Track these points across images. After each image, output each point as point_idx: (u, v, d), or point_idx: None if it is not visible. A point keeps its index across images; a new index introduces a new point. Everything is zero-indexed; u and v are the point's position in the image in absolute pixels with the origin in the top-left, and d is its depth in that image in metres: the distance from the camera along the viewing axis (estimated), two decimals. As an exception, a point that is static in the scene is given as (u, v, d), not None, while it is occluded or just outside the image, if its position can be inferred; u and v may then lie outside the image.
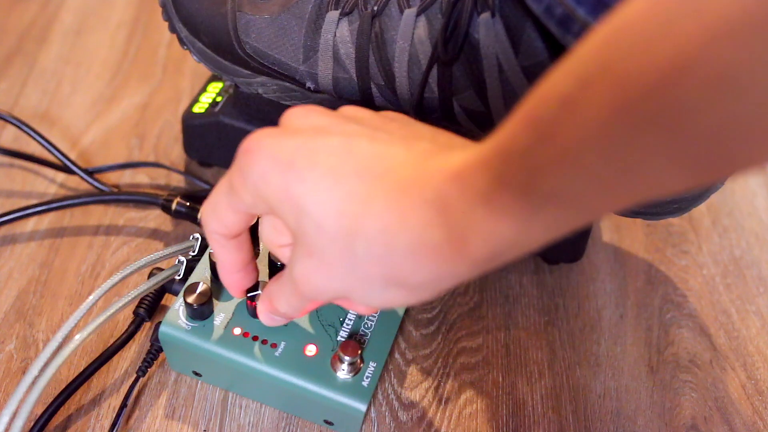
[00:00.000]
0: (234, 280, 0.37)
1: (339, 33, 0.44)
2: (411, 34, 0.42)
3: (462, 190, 0.26)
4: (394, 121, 0.32)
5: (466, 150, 0.27)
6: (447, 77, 0.42)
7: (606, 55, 0.21)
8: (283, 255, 0.35)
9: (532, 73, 0.40)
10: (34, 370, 0.37)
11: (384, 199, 0.27)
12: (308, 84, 0.46)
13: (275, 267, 0.42)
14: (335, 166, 0.28)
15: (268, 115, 0.51)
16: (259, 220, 0.35)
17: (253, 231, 0.37)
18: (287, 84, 0.46)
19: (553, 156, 0.23)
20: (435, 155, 0.28)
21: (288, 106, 0.47)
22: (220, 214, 0.33)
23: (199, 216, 0.34)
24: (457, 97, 0.43)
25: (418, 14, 0.42)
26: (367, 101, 0.45)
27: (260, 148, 0.30)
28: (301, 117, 0.32)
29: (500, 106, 0.42)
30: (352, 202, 0.27)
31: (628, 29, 0.21)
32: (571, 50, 0.23)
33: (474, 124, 0.44)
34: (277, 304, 0.35)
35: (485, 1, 0.40)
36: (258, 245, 0.44)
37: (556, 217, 0.25)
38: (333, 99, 0.46)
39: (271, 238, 0.35)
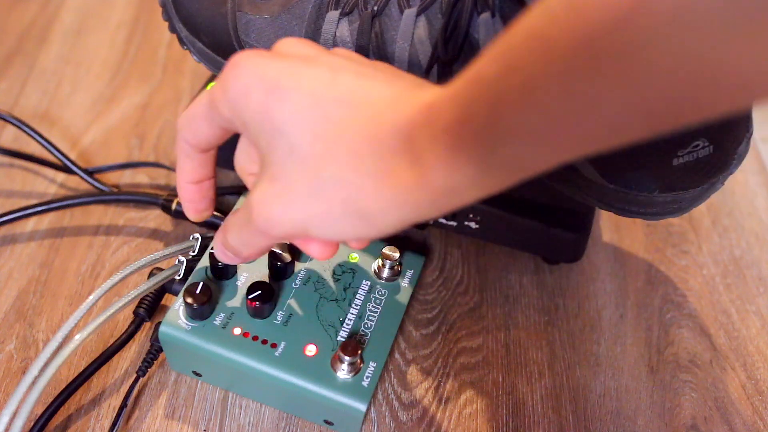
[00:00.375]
0: (189, 190, 0.37)
1: (339, 33, 0.44)
2: (411, 34, 0.42)
3: (429, 120, 0.27)
4: (379, 65, 0.33)
5: (441, 88, 0.28)
6: (447, 77, 0.42)
7: None
8: (250, 183, 0.36)
9: None
10: (34, 370, 0.37)
11: (359, 125, 0.28)
12: None
13: (275, 267, 0.43)
14: (317, 91, 0.29)
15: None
16: (238, 143, 0.36)
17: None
18: None
19: (517, 87, 0.24)
20: (413, 90, 0.29)
21: None
22: (195, 123, 0.33)
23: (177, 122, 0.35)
24: None
25: (418, 14, 0.42)
26: None
27: (248, 65, 0.30)
28: (293, 45, 0.32)
29: None
30: (329, 126, 0.28)
31: None
32: None
33: None
34: (229, 236, 0.34)
35: (485, 1, 0.39)
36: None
37: (515, 156, 0.26)
38: None
39: (243, 164, 0.35)
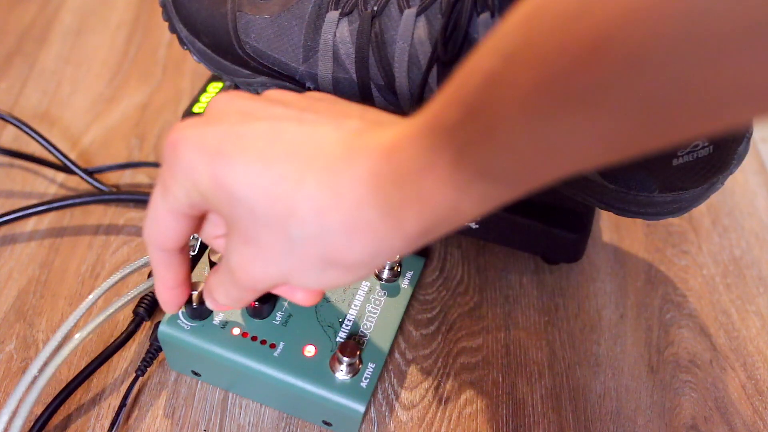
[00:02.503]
0: (172, 296, 0.35)
1: (339, 33, 0.44)
2: (411, 35, 0.42)
3: (393, 166, 0.26)
4: (320, 101, 0.31)
5: (396, 126, 0.27)
6: (447, 77, 0.42)
7: (528, 32, 0.22)
8: (219, 246, 0.35)
9: None
10: (33, 370, 0.37)
11: (315, 179, 0.27)
12: (308, 84, 0.46)
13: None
14: (264, 149, 0.28)
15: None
16: None
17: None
18: (287, 84, 0.46)
19: (479, 132, 0.23)
20: (365, 132, 0.28)
21: None
22: (159, 222, 0.31)
23: (143, 233, 0.34)
24: None
25: (418, 14, 0.42)
26: (366, 101, 0.45)
27: (185, 139, 0.29)
28: (225, 103, 0.31)
29: None
30: (284, 184, 0.27)
31: (549, 7, 0.21)
32: (495, 29, 0.23)
33: None
34: (217, 296, 0.34)
35: (485, 1, 0.39)
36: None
37: (486, 192, 0.25)
38: None
39: (208, 230, 0.34)
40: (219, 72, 0.48)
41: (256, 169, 0.27)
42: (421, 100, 0.44)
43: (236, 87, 0.50)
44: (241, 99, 0.31)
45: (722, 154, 0.40)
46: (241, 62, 0.47)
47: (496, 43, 0.23)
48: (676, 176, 0.41)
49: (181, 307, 0.38)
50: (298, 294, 0.35)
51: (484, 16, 0.39)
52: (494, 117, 0.23)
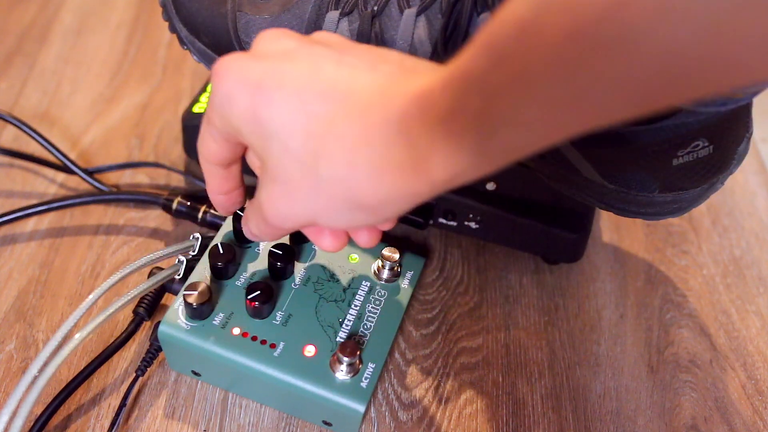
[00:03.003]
0: (218, 200, 0.38)
1: (338, 32, 0.44)
2: (411, 35, 0.42)
3: (423, 111, 0.27)
4: (361, 45, 0.32)
5: (429, 73, 0.28)
6: None
7: None
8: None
9: None
10: (33, 370, 0.37)
11: (347, 119, 0.28)
12: None
13: (275, 268, 0.43)
14: (301, 88, 0.29)
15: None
16: None
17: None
18: None
19: (508, 79, 0.24)
20: (399, 77, 0.29)
21: None
22: (204, 142, 0.34)
23: None
24: None
25: (418, 14, 0.42)
26: None
27: (228, 71, 0.30)
28: (270, 41, 0.32)
29: None
30: (317, 123, 0.28)
31: None
32: None
33: None
34: (250, 225, 0.36)
35: (485, 1, 0.39)
36: (258, 246, 0.44)
37: (511, 141, 0.26)
38: None
39: (253, 161, 0.36)
40: None
41: (293, 105, 0.28)
42: None
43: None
44: (286, 37, 0.32)
45: (722, 153, 0.40)
46: None
47: None
48: (676, 176, 0.41)
49: (231, 212, 0.40)
50: (325, 240, 0.36)
51: (485, 15, 0.39)
52: (524, 64, 0.23)
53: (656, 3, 0.19)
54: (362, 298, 0.43)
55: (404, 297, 0.44)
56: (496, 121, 0.25)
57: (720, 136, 0.39)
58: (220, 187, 0.37)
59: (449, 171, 0.27)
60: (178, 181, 0.55)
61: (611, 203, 0.44)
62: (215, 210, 0.49)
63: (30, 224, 0.51)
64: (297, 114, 0.28)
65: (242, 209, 0.41)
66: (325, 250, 0.37)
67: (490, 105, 0.25)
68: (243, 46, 0.46)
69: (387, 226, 0.37)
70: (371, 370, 0.40)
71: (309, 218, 0.31)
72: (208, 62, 0.48)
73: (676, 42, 0.20)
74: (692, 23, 0.19)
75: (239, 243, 0.44)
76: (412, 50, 0.42)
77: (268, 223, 0.33)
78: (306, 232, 0.37)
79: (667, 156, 0.40)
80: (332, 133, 0.28)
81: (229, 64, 0.30)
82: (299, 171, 0.29)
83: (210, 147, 0.34)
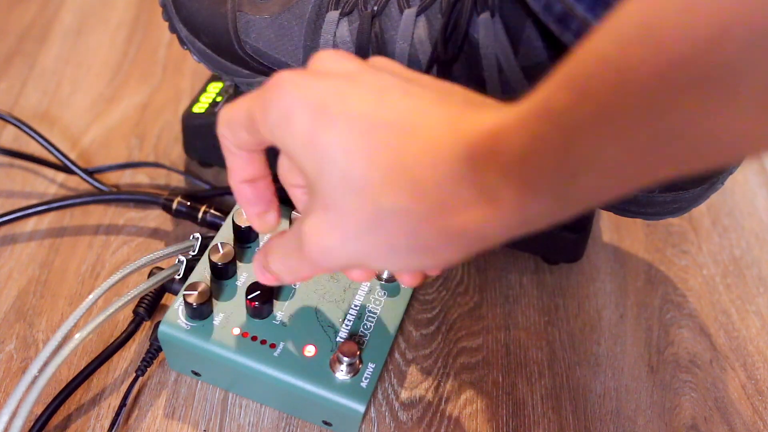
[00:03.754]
0: (243, 191, 0.34)
1: (339, 33, 0.44)
2: (411, 34, 0.42)
3: (495, 151, 0.25)
4: (425, 77, 0.31)
5: (501, 109, 0.26)
6: (446, 77, 0.42)
7: (647, 16, 0.21)
8: (295, 196, 0.34)
9: (532, 73, 0.40)
10: (33, 370, 0.37)
11: (415, 151, 0.26)
12: None
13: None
14: (367, 114, 0.27)
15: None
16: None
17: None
18: None
19: (592, 116, 0.22)
20: (468, 112, 0.27)
21: None
22: (233, 127, 0.31)
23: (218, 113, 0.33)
24: None
25: (418, 14, 0.42)
26: None
27: (291, 85, 0.28)
28: (331, 61, 0.30)
29: None
30: (383, 152, 0.26)
31: None
32: (612, 13, 0.22)
33: None
34: (271, 260, 0.32)
35: (485, 1, 0.40)
36: (258, 246, 0.44)
37: (590, 185, 0.24)
38: None
39: (287, 175, 0.33)
40: (219, 72, 0.48)
41: (357, 132, 0.27)
42: None
43: (236, 87, 0.50)
44: (348, 60, 0.30)
45: None
46: (241, 62, 0.47)
47: (611, 27, 0.22)
48: None
49: (262, 220, 0.35)
50: (355, 272, 0.33)
51: (484, 15, 0.39)
52: (609, 101, 0.21)
53: (755, 38, 0.18)
54: (362, 298, 0.43)
55: (404, 297, 0.44)
56: (577, 162, 0.23)
57: None
58: (243, 172, 0.33)
59: (522, 215, 0.25)
60: (178, 181, 0.55)
61: (613, 203, 0.44)
62: (215, 212, 0.49)
63: (30, 224, 0.51)
64: (362, 141, 0.26)
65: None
66: (354, 280, 0.34)
67: (571, 144, 0.23)
68: (243, 46, 0.46)
69: (435, 271, 0.35)
70: (371, 370, 0.40)
71: (358, 258, 0.28)
72: (208, 62, 0.48)
73: None
74: None
75: (239, 243, 0.44)
76: (412, 50, 0.42)
77: (305, 257, 0.29)
78: (345, 271, 0.34)
79: None
80: (398, 164, 0.26)
81: (290, 78, 0.28)
82: (358, 201, 0.27)
83: (238, 134, 0.31)
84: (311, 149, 0.27)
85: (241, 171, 0.33)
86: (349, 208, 0.27)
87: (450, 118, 0.27)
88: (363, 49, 0.44)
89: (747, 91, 0.19)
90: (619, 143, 0.22)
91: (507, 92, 0.41)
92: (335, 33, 0.44)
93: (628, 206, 0.44)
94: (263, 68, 0.46)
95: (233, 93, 0.53)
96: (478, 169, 0.25)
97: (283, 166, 0.33)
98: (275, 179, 0.35)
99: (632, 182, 0.23)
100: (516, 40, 0.39)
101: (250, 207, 0.35)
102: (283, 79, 0.28)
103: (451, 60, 0.41)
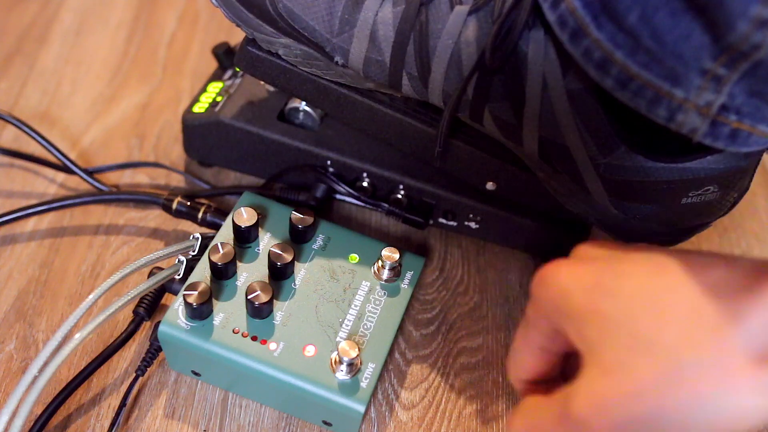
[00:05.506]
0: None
1: (381, 13, 0.42)
2: (458, 33, 0.40)
3: None
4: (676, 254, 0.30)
5: None
6: (486, 84, 0.41)
7: None
8: (523, 387, 0.34)
9: (577, 97, 0.38)
10: (33, 370, 0.37)
11: (709, 308, 0.26)
12: (337, 58, 0.44)
13: (275, 268, 0.43)
14: (649, 282, 0.28)
15: (269, 115, 0.52)
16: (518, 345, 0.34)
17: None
18: (313, 52, 0.44)
19: None
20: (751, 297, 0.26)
21: (303, 73, 0.45)
22: (518, 359, 0.33)
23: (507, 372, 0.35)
24: (490, 105, 0.41)
25: (470, 13, 0.40)
26: (394, 88, 0.44)
27: (558, 271, 0.30)
28: (593, 249, 0.32)
29: (534, 123, 0.40)
30: (679, 312, 0.26)
31: None
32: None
33: (500, 131, 0.43)
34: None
35: (542, 17, 0.37)
36: (258, 246, 0.44)
37: None
38: (358, 78, 0.45)
39: (524, 370, 0.33)
40: (237, 22, 0.45)
41: (642, 294, 0.27)
42: (458, 103, 0.42)
43: (252, 40, 0.46)
44: (606, 247, 0.31)
45: (725, 200, 0.41)
46: (267, 18, 0.44)
47: None
48: (680, 212, 0.41)
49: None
50: None
51: (538, 32, 0.38)
52: None
53: None
54: (362, 298, 0.43)
55: (404, 297, 0.44)
56: None
57: (729, 185, 0.40)
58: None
59: None
60: (178, 181, 0.55)
61: (609, 225, 0.44)
62: (215, 212, 0.49)
63: (30, 224, 0.51)
64: (651, 304, 0.27)
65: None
66: None
67: None
68: (275, 3, 0.43)
69: None
70: (371, 370, 0.40)
71: (646, 419, 0.27)
72: (228, 9, 0.45)
73: None
74: None
75: (239, 243, 0.44)
76: (456, 50, 0.41)
77: (571, 420, 0.28)
78: None
79: (678, 194, 0.40)
80: (696, 321, 0.26)
81: (556, 267, 0.30)
82: (652, 359, 0.26)
83: (525, 362, 0.33)
84: (593, 316, 0.28)
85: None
86: (639, 367, 0.27)
87: (738, 284, 0.26)
88: (404, 35, 0.42)
89: None
90: None
91: (545, 111, 0.40)
92: (377, 12, 0.42)
93: (622, 231, 0.44)
94: (291, 31, 0.44)
95: (233, 93, 0.53)
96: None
97: (529, 358, 0.33)
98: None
99: None
100: (566, 62, 0.37)
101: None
102: (547, 270, 0.30)
103: (495, 70, 0.40)
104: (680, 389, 0.26)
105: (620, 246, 0.31)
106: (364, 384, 0.39)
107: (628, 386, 0.26)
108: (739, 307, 0.26)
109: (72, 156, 0.56)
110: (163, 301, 0.46)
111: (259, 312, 0.41)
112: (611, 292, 0.28)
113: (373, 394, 0.44)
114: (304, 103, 0.51)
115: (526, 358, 0.33)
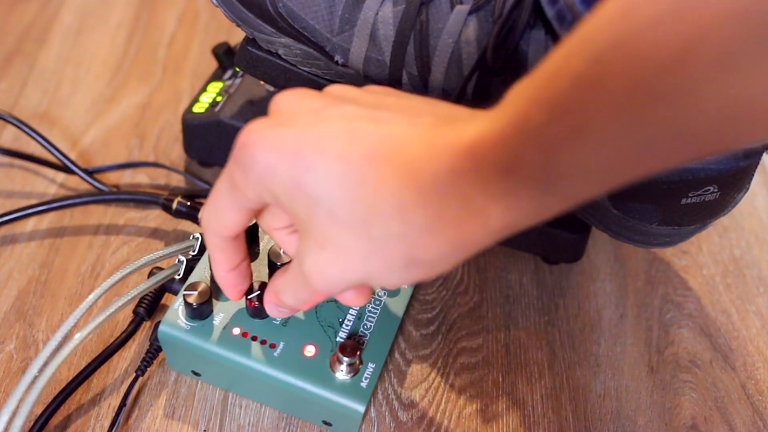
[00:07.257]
0: (229, 278, 0.37)
1: (382, 12, 0.42)
2: (459, 32, 0.41)
3: (475, 166, 0.26)
4: (386, 95, 0.31)
5: (474, 123, 0.27)
6: (486, 84, 0.41)
7: (618, 33, 0.22)
8: (279, 238, 0.35)
9: None
10: (33, 370, 0.37)
11: (397, 179, 0.27)
12: (337, 57, 0.44)
13: (275, 267, 0.43)
14: (343, 151, 0.28)
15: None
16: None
17: (251, 232, 0.37)
18: (313, 51, 0.44)
19: (568, 132, 0.23)
20: (441, 129, 0.28)
21: (303, 72, 0.45)
22: (221, 214, 0.33)
23: (199, 217, 0.34)
24: (491, 104, 0.42)
25: (470, 13, 0.40)
26: (393, 86, 0.44)
27: (261, 141, 0.29)
28: (292, 102, 0.31)
29: None
30: (365, 186, 0.27)
31: (639, 8, 0.21)
32: (579, 26, 0.23)
33: None
34: (284, 298, 0.35)
35: (541, 16, 0.38)
36: (257, 245, 0.44)
37: (570, 190, 0.26)
38: (358, 77, 0.45)
39: (267, 221, 0.34)
40: (237, 21, 0.45)
41: (337, 170, 0.28)
42: (458, 102, 0.42)
43: (252, 39, 0.46)
44: (309, 97, 0.31)
45: (724, 199, 0.41)
46: (267, 18, 0.44)
47: (582, 44, 0.23)
48: (680, 213, 0.41)
49: (242, 295, 0.39)
50: (348, 295, 0.35)
51: (539, 32, 0.38)
52: (584, 117, 0.23)
53: (716, 55, 0.20)
54: (362, 298, 0.43)
55: (404, 297, 0.44)
56: (556, 173, 0.25)
57: (728, 185, 0.40)
58: (229, 263, 0.36)
59: (507, 221, 0.27)
60: (178, 181, 0.55)
61: (609, 226, 0.44)
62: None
63: (30, 224, 0.51)
64: (343, 180, 0.28)
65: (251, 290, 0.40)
66: (347, 305, 0.36)
67: (549, 158, 0.24)
68: (276, 3, 0.43)
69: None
70: (371, 370, 0.40)
71: (362, 280, 0.30)
72: (228, 9, 0.45)
73: (736, 91, 0.20)
74: (752, 73, 0.20)
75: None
76: (456, 49, 0.41)
77: (313, 290, 0.32)
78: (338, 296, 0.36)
79: (677, 194, 0.40)
80: (382, 195, 0.27)
81: (260, 133, 0.29)
82: (350, 236, 0.28)
83: (226, 218, 0.33)
84: (298, 194, 0.29)
85: (228, 262, 0.36)
86: (343, 243, 0.29)
87: (425, 139, 0.28)
88: (404, 35, 0.42)
89: (710, 100, 0.21)
90: (595, 153, 0.24)
91: None
92: (378, 11, 0.42)
93: (624, 231, 0.44)
94: (291, 30, 0.44)
95: (233, 93, 0.53)
96: (460, 186, 0.26)
97: (267, 215, 0.34)
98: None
99: (607, 184, 0.25)
100: None
101: (233, 288, 0.38)
102: (251, 137, 0.29)
103: (497, 70, 0.40)
104: (374, 258, 0.28)
105: (319, 98, 0.31)
106: (364, 384, 0.39)
107: (340, 259, 0.29)
108: (422, 177, 0.27)
109: (72, 156, 0.56)
110: (163, 301, 0.46)
111: (259, 312, 0.41)
112: (311, 166, 0.28)
113: (373, 394, 0.44)
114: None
115: (231, 216, 0.33)
